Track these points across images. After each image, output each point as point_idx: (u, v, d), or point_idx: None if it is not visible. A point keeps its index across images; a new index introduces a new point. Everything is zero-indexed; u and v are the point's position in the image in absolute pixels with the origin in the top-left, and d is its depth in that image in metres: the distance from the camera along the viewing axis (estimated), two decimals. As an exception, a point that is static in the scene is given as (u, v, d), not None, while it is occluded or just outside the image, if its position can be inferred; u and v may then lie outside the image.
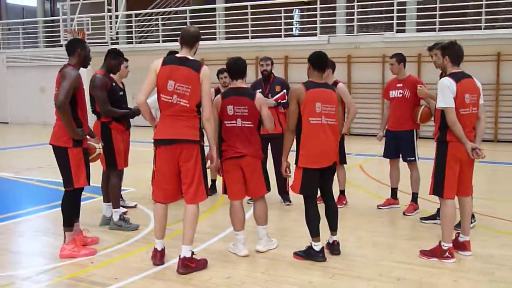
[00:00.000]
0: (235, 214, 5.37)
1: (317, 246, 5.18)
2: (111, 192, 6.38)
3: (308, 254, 5.22)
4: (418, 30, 16.76)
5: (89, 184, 5.44)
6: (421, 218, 6.62)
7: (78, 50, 5.40)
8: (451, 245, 5.19)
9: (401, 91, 6.94)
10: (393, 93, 7.05)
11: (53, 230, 6.32)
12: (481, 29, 14.96)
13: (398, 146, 7.09)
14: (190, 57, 4.88)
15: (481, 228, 6.29)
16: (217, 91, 7.68)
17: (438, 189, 5.20)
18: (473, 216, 6.27)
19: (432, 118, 6.25)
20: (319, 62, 5.28)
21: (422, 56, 15.34)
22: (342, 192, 7.40)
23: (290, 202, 7.51)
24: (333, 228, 5.38)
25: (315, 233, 5.18)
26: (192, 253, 4.94)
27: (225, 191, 5.46)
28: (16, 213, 7.19)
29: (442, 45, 5.38)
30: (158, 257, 5.07)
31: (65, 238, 5.41)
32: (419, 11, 17.07)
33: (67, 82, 5.17)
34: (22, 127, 20.70)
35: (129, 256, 5.36)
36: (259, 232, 5.50)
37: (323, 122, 5.09)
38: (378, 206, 7.26)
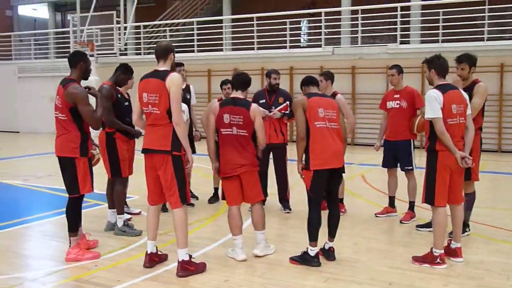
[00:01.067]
0: (232, 219, 5.60)
1: (312, 251, 5.38)
2: (116, 199, 6.61)
3: (304, 259, 5.42)
4: (422, 42, 16.95)
5: (93, 191, 5.66)
6: (417, 226, 6.80)
7: (80, 63, 5.63)
8: (442, 251, 5.36)
9: (398, 101, 7.14)
10: (391, 104, 7.24)
11: (60, 234, 6.57)
12: (484, 40, 15.13)
13: (396, 156, 7.27)
14: (161, 69, 5.18)
15: (475, 235, 6.45)
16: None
17: (429, 197, 5.38)
18: (468, 226, 6.45)
19: None
20: (310, 80, 5.78)
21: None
22: (341, 200, 7.55)
23: (290, 210, 7.68)
24: (332, 234, 5.58)
25: (313, 237, 5.38)
26: (190, 256, 5.15)
27: (223, 197, 5.71)
28: (25, 219, 7.45)
29: (427, 59, 5.57)
30: (146, 259, 5.33)
31: (70, 242, 5.64)
32: (423, 23, 17.28)
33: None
34: (32, 136, 21.03)
35: (131, 260, 5.58)
36: (257, 237, 5.71)
37: (327, 126, 5.41)
38: (376, 214, 7.44)
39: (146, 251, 5.35)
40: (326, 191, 5.52)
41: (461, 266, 5.36)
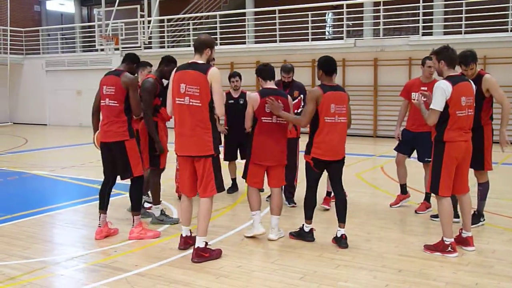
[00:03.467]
0: (252, 196, 5.96)
1: (307, 228, 5.89)
2: (152, 189, 6.79)
3: (300, 234, 5.93)
4: (444, 33, 16.82)
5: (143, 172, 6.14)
6: (431, 216, 6.85)
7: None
8: (452, 240, 5.43)
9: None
10: (416, 96, 7.14)
11: (82, 222, 6.84)
12: (508, 31, 14.96)
13: (413, 146, 7.28)
14: (200, 62, 5.30)
15: (489, 225, 6.49)
16: (228, 95, 8.02)
17: (434, 186, 5.46)
18: (482, 216, 6.48)
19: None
20: (329, 67, 5.77)
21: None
22: (328, 194, 7.38)
23: (295, 204, 7.55)
24: (342, 219, 5.73)
25: (308, 216, 5.87)
26: (206, 243, 5.33)
27: (245, 176, 6.00)
28: (50, 207, 7.73)
29: (435, 51, 5.57)
30: (181, 242, 5.63)
31: (133, 221, 6.04)
32: (445, 14, 17.13)
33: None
34: (59, 128, 21.53)
35: (149, 246, 5.78)
36: (272, 222, 5.97)
37: (336, 121, 5.65)
38: (390, 205, 7.49)
39: (181, 234, 5.63)
40: (329, 178, 5.89)
41: (472, 255, 5.42)
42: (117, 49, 20.25)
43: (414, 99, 6.86)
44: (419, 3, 16.16)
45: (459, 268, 5.06)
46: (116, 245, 5.81)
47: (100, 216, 6.09)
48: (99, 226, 6.07)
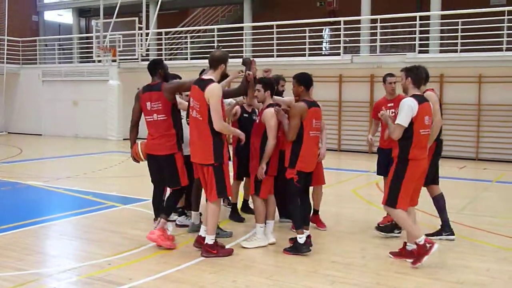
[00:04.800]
0: (265, 207, 6.27)
1: (301, 239, 5.89)
2: (193, 197, 6.85)
3: (295, 248, 5.93)
4: (441, 51, 16.94)
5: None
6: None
7: (159, 70, 6.30)
8: (423, 237, 5.59)
9: (393, 110, 7.06)
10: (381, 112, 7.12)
11: (76, 234, 6.81)
12: (502, 50, 15.09)
13: (390, 164, 7.25)
14: (206, 77, 5.68)
15: (483, 244, 6.49)
16: (242, 108, 7.43)
17: (392, 201, 5.62)
18: (449, 227, 6.61)
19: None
20: (310, 82, 6.14)
21: (444, 77, 15.57)
22: (316, 212, 7.18)
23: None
24: (306, 223, 6.11)
25: (298, 226, 5.93)
26: (216, 242, 5.70)
27: (256, 192, 6.25)
28: (44, 218, 7.67)
29: (406, 68, 5.79)
30: (196, 240, 5.99)
31: (158, 223, 6.13)
32: (442, 32, 17.27)
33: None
34: (54, 139, 21.45)
35: (144, 260, 5.75)
36: (270, 227, 6.33)
37: (316, 135, 6.08)
38: (378, 224, 7.20)
39: (199, 234, 5.94)
40: (304, 188, 6.13)
41: (466, 273, 5.41)
42: (114, 60, 20.29)
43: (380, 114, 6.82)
44: (415, 21, 16.30)
45: (453, 287, 5.06)
46: (110, 257, 5.77)
47: (159, 221, 6.18)
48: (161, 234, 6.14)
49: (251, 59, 6.44)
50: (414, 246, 5.67)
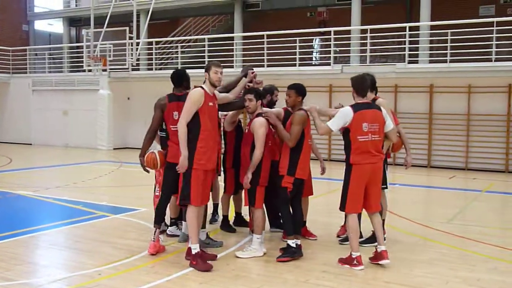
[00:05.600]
0: (263, 219, 6.27)
1: (293, 243, 6.00)
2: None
3: (290, 252, 5.99)
4: (430, 62, 17.08)
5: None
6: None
7: (183, 82, 6.51)
8: (359, 254, 5.78)
9: None
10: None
11: (66, 244, 6.76)
12: (491, 61, 15.24)
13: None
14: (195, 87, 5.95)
15: (474, 253, 6.52)
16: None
17: (342, 205, 5.85)
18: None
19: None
20: (305, 92, 6.22)
21: (434, 87, 15.69)
22: (304, 223, 7.01)
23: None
24: (298, 232, 6.18)
25: (291, 232, 6.02)
26: (200, 252, 5.75)
27: (252, 203, 6.26)
28: (34, 228, 7.62)
29: (352, 77, 5.97)
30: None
31: (155, 232, 6.24)
32: (431, 43, 17.43)
33: None
34: (44, 148, 21.34)
35: (135, 270, 5.72)
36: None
37: (311, 143, 6.30)
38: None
39: (188, 245, 5.88)
40: (296, 195, 6.17)
41: (457, 283, 5.43)
42: (104, 70, 20.24)
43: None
44: (405, 31, 16.42)
45: (444, 296, 5.08)
46: (100, 267, 5.73)
47: (155, 231, 6.19)
48: (153, 241, 6.17)
49: (252, 70, 6.57)
50: (384, 248, 5.84)
